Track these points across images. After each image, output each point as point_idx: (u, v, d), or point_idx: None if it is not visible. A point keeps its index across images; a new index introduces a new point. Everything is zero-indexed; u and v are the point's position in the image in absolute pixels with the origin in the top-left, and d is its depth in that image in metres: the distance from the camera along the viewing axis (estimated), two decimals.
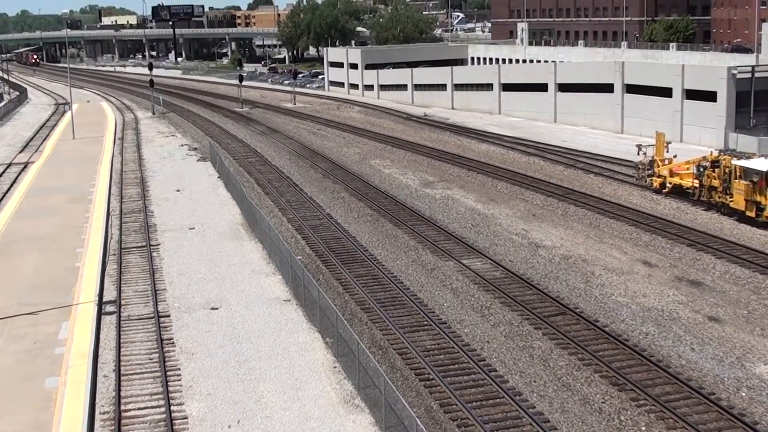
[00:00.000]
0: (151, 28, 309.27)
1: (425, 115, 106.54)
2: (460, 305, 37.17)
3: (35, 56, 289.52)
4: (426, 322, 34.77)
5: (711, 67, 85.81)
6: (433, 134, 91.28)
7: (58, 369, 29.17)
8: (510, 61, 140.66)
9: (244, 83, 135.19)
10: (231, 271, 41.40)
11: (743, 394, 28.27)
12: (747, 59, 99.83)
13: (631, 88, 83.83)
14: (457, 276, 41.01)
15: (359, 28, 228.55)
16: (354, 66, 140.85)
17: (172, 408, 26.91)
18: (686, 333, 33.47)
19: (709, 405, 27.12)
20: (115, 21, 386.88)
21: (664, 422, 26.26)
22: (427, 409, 27.44)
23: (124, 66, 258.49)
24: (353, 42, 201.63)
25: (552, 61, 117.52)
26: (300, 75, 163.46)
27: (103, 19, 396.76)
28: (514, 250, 45.55)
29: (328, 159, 75.67)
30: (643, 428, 26.06)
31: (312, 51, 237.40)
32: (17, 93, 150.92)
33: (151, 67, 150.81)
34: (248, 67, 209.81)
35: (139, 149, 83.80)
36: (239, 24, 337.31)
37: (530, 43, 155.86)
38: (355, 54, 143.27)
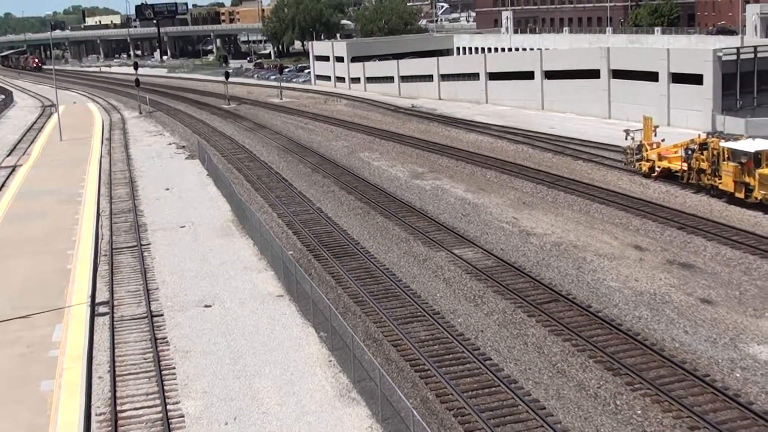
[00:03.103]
0: (135, 27, 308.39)
1: (412, 107, 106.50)
2: (453, 295, 37.22)
3: (37, 59, 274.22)
4: (419, 313, 34.81)
5: (696, 50, 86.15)
6: (420, 125, 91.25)
7: (52, 372, 29.11)
8: (495, 50, 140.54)
9: (230, 80, 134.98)
10: (223, 269, 41.35)
11: (737, 375, 28.38)
12: (732, 41, 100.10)
13: (618, 74, 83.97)
14: (449, 266, 41.05)
15: (344, 21, 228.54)
16: (340, 59, 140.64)
17: (168, 407, 26.89)
18: (679, 316, 33.57)
19: (704, 387, 27.23)
20: (99, 21, 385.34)
21: (659, 405, 26.36)
22: (423, 399, 27.49)
23: (110, 66, 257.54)
24: (338, 35, 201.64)
25: (537, 49, 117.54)
26: (286, 70, 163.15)
27: (86, 19, 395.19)
28: (505, 238, 45.60)
29: (317, 153, 75.60)
30: (639, 412, 26.14)
31: (297, 45, 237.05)
32: (2, 96, 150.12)
33: (136, 66, 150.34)
34: (234, 64, 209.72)
35: (127, 149, 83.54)
36: (224, 20, 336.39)
37: (515, 32, 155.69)
38: (340, 47, 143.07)
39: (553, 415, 26.12)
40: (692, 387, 27.33)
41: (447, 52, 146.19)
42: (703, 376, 28.01)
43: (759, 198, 47.61)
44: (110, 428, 25.94)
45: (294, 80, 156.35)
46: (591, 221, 48.20)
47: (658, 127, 59.87)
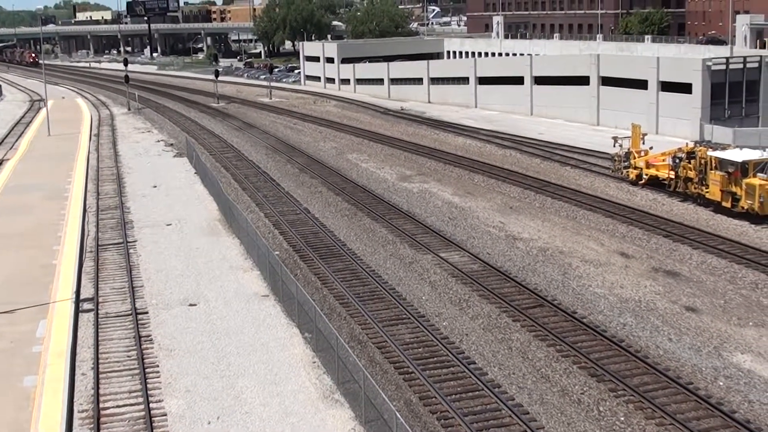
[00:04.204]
0: (126, 23, 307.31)
1: (402, 109, 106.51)
2: (438, 298, 37.23)
3: (33, 54, 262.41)
4: (405, 316, 34.80)
5: (686, 59, 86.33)
6: (409, 128, 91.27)
7: (35, 368, 29.01)
8: (486, 54, 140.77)
9: (219, 78, 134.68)
10: (209, 267, 41.29)
11: (721, 384, 28.47)
12: (721, 51, 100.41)
13: (607, 81, 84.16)
14: (435, 269, 41.06)
15: (335, 22, 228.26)
16: (330, 60, 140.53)
17: (151, 405, 26.83)
18: (664, 323, 33.66)
19: (687, 395, 27.31)
20: (90, 17, 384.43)
21: (642, 412, 26.42)
22: (407, 402, 27.48)
23: (99, 62, 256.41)
24: (329, 36, 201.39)
25: (528, 54, 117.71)
26: (276, 69, 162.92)
27: (77, 14, 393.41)
28: (492, 242, 45.65)
29: (305, 153, 75.54)
30: (622, 418, 26.20)
31: (288, 45, 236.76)
32: None
33: (126, 62, 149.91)
34: (224, 62, 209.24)
35: (115, 145, 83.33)
36: (215, 19, 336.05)
37: (506, 37, 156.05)
38: (331, 48, 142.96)
39: (536, 420, 26.15)
40: (676, 394, 27.40)
41: (437, 56, 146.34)
42: (687, 383, 28.09)
43: (745, 207, 47.79)
44: (92, 425, 25.87)
45: (284, 80, 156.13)
46: (578, 227, 48.29)
47: (646, 134, 60.03)
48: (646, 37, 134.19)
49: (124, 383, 28.82)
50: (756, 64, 76.92)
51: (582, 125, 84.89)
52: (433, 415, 26.53)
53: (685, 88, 74.41)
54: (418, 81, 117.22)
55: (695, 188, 51.78)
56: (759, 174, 47.82)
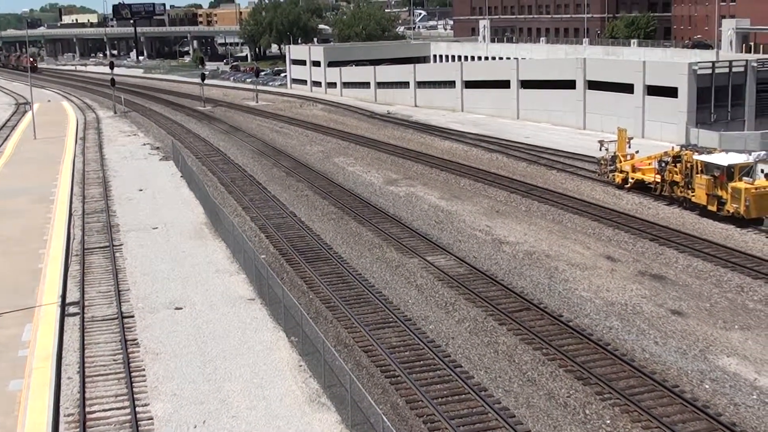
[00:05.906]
0: (112, 26, 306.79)
1: (388, 113, 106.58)
2: (424, 302, 37.23)
3: (31, 59, 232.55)
4: (391, 319, 34.80)
5: (672, 63, 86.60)
6: (396, 132, 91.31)
7: (21, 372, 28.89)
8: (472, 58, 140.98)
9: (206, 82, 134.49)
10: (195, 271, 41.19)
11: (707, 387, 28.55)
12: (707, 55, 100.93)
13: (593, 85, 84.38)
14: (422, 273, 41.07)
15: (321, 26, 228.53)
16: (316, 64, 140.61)
17: (137, 409, 26.76)
18: (650, 327, 33.75)
19: (672, 398, 27.37)
20: (76, 20, 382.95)
21: (628, 415, 26.47)
22: (393, 405, 27.47)
23: (85, 65, 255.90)
24: (315, 40, 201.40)
25: (514, 58, 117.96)
26: (262, 73, 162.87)
27: (63, 17, 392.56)
28: (478, 246, 45.68)
29: (291, 157, 75.48)
30: (608, 422, 26.25)
31: (274, 49, 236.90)
32: None
33: (112, 65, 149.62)
34: (210, 66, 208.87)
35: (101, 149, 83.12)
36: (201, 22, 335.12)
37: (492, 41, 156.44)
38: (317, 52, 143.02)
39: (522, 424, 26.17)
40: (661, 398, 27.48)
41: (424, 60, 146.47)
42: (673, 387, 28.16)
43: (731, 211, 47.97)
44: (79, 429, 25.78)
45: (270, 83, 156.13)
46: (564, 231, 48.37)
47: (632, 138, 60.24)
48: (633, 41, 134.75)
49: (111, 387, 28.72)
50: (741, 69, 77.23)
51: (568, 129, 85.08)
52: (419, 419, 26.54)
53: (671, 92, 74.67)
54: (405, 85, 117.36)
55: (681, 192, 51.96)
56: (744, 178, 48.02)
